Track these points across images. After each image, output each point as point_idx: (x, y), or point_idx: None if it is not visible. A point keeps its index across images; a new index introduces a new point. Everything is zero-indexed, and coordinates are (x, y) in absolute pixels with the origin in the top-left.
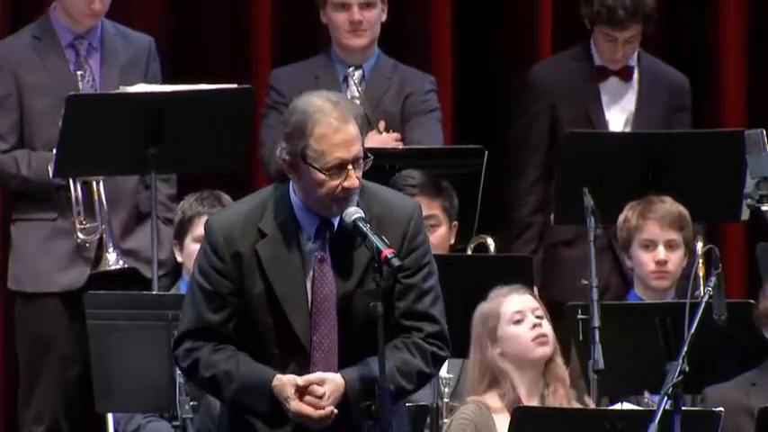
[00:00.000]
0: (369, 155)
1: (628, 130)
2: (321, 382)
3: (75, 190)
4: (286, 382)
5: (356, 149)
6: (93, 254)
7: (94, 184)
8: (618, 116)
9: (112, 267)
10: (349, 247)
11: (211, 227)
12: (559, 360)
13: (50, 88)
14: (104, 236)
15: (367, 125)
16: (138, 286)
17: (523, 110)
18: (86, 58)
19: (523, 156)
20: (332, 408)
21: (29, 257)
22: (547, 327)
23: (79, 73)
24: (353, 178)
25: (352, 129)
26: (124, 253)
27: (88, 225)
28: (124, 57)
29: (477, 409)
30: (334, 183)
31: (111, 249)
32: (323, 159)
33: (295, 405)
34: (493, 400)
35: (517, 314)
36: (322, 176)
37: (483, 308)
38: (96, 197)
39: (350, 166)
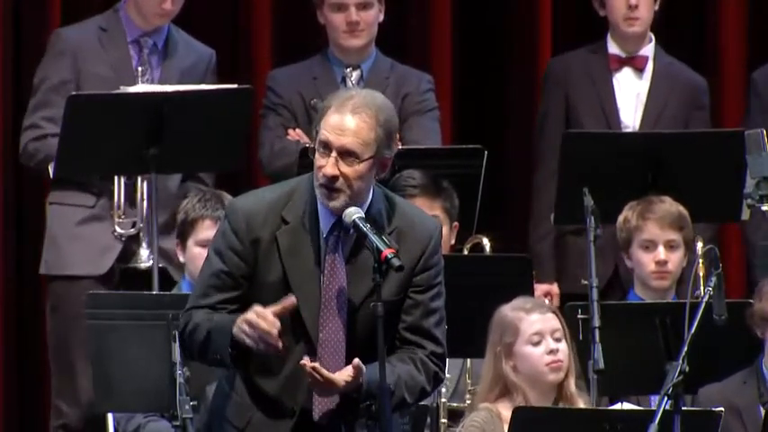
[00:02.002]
0: (374, 159)
1: (638, 119)
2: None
3: (119, 184)
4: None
5: (347, 141)
6: (124, 246)
7: (139, 180)
8: (629, 105)
9: (143, 265)
10: (362, 250)
11: (235, 210)
12: (572, 381)
13: (110, 80)
14: (141, 233)
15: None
16: (166, 287)
17: (541, 102)
18: (149, 56)
19: (541, 147)
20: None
21: (61, 241)
22: (563, 350)
23: (140, 68)
24: (331, 165)
25: (356, 122)
26: (160, 252)
27: (126, 219)
28: (185, 63)
29: (489, 416)
30: (317, 162)
31: (144, 246)
32: (318, 135)
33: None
34: (505, 408)
35: (536, 335)
36: (316, 152)
37: (504, 316)
38: (139, 194)
39: (334, 153)
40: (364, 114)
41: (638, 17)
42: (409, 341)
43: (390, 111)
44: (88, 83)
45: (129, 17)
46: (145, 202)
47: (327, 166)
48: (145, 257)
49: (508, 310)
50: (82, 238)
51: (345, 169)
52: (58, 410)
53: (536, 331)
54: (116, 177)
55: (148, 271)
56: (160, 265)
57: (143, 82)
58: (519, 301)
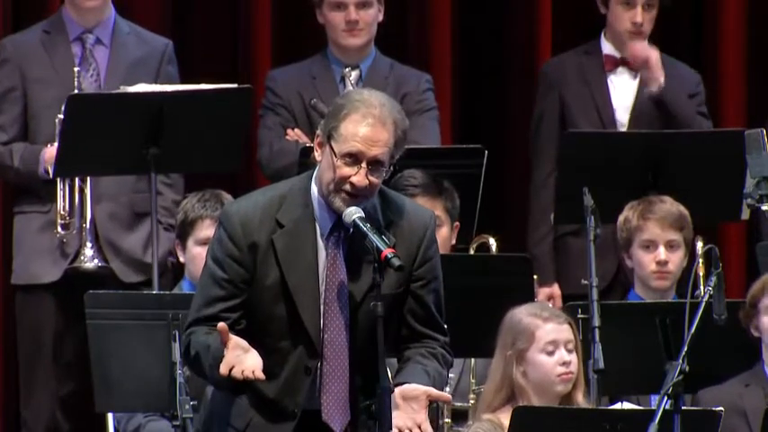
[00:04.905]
0: (391, 168)
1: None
2: None
3: (63, 185)
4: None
5: (377, 151)
6: (75, 249)
7: (77, 180)
8: (624, 105)
9: (87, 265)
10: (362, 249)
11: (229, 216)
12: (580, 392)
13: (54, 81)
14: (84, 233)
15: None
16: (112, 287)
17: (536, 104)
18: (92, 51)
19: (536, 150)
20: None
21: (25, 250)
22: (574, 362)
23: (76, 69)
24: (362, 176)
25: (384, 133)
26: (114, 251)
27: (69, 220)
28: (134, 55)
29: (492, 428)
30: (344, 172)
31: (89, 246)
32: (342, 144)
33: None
34: (507, 418)
35: (551, 344)
36: (335, 160)
37: (519, 321)
38: (78, 193)
39: (364, 164)
40: (389, 123)
41: (642, 32)
42: (421, 334)
43: (403, 114)
44: (33, 87)
45: (70, 15)
46: (88, 202)
47: (358, 176)
48: (88, 258)
49: (523, 315)
50: (42, 245)
51: (372, 179)
52: (24, 422)
53: (551, 340)
54: (58, 181)
55: (92, 272)
56: (104, 266)
57: (87, 80)
58: (534, 308)
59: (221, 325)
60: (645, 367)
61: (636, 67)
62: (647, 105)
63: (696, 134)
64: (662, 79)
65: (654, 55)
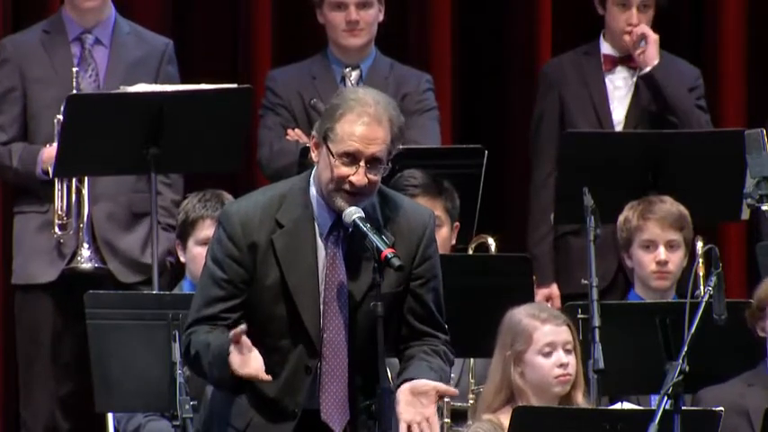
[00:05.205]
0: (389, 164)
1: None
2: None
3: (61, 185)
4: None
5: (375, 149)
6: (72, 250)
7: (75, 180)
8: (621, 105)
9: (83, 266)
10: (362, 248)
11: (229, 216)
12: (580, 393)
13: (54, 81)
14: (81, 233)
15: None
16: (110, 287)
17: (536, 105)
18: (92, 52)
19: (536, 150)
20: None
21: (24, 250)
22: (573, 363)
23: (74, 70)
24: (361, 175)
25: (380, 131)
26: (111, 251)
27: (66, 221)
28: (134, 55)
29: (491, 428)
30: (342, 172)
31: (86, 247)
32: (339, 144)
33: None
34: (507, 419)
35: (548, 346)
36: (333, 161)
37: (517, 322)
38: (75, 193)
39: (362, 163)
40: (384, 120)
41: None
42: (422, 332)
43: (398, 110)
44: (33, 87)
45: (69, 15)
46: (86, 202)
47: (357, 175)
48: (85, 259)
49: (522, 316)
50: (40, 245)
51: (371, 177)
52: (24, 422)
53: (549, 342)
54: (55, 182)
55: (89, 272)
56: (101, 267)
57: (86, 80)
58: (533, 309)
59: (240, 329)
60: (645, 367)
61: (631, 43)
62: (645, 105)
63: (696, 134)
64: (656, 61)
65: (652, 34)
